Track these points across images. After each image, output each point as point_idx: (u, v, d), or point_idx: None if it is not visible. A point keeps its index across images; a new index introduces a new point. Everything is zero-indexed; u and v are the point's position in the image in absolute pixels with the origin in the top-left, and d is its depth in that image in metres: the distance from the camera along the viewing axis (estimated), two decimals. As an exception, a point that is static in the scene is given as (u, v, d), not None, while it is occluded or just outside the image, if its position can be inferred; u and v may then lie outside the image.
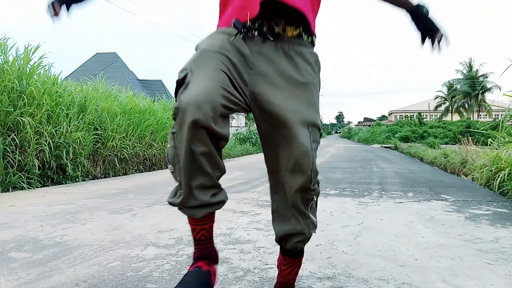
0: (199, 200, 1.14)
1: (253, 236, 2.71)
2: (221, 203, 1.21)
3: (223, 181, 1.22)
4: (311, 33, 1.30)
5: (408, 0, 1.45)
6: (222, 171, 1.17)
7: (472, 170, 6.47)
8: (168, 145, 1.16)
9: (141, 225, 3.04)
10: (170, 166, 1.16)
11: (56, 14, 1.30)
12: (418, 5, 1.42)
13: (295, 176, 1.23)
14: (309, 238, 1.30)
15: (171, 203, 1.22)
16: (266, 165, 1.35)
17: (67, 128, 5.93)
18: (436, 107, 52.91)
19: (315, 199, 1.36)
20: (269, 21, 1.17)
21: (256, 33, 1.15)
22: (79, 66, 31.80)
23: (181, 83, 1.07)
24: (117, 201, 4.17)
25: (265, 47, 1.17)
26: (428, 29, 1.39)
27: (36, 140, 5.32)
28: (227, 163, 8.47)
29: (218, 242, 2.56)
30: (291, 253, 1.34)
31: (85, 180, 6.25)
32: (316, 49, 1.45)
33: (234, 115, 46.38)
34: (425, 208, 3.82)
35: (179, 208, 1.22)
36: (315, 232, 1.31)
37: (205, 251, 1.41)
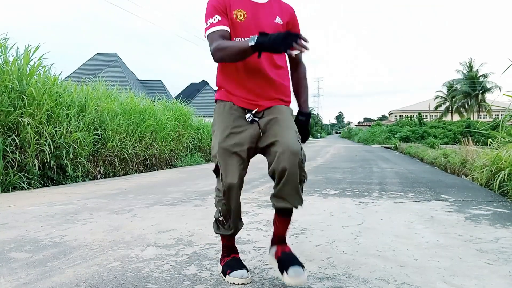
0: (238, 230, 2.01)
1: (253, 236, 2.71)
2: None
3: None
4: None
5: (303, 103, 1.99)
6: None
7: (472, 170, 6.47)
8: (218, 208, 1.90)
9: (141, 225, 3.04)
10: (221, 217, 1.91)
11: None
12: (303, 112, 1.97)
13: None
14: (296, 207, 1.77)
15: (222, 234, 1.96)
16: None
17: (67, 128, 5.93)
18: (436, 107, 52.92)
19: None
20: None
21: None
22: (79, 66, 31.81)
23: (217, 170, 1.83)
24: (117, 201, 4.18)
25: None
26: (302, 130, 1.90)
27: (36, 140, 5.33)
28: (227, 163, 8.29)
29: (218, 242, 2.56)
30: (284, 212, 1.86)
31: (85, 180, 6.25)
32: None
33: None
34: (425, 208, 3.82)
35: (224, 235, 1.98)
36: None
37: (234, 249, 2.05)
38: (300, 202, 1.74)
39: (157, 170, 8.55)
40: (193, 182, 5.98)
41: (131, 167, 7.73)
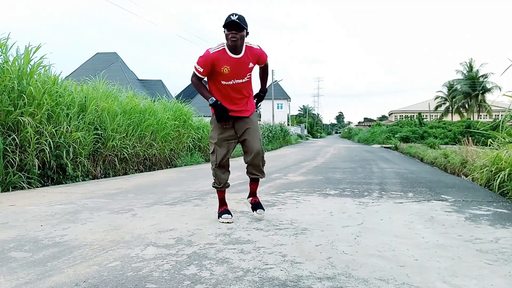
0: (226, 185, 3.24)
1: (253, 236, 2.71)
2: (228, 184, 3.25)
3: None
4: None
5: (263, 86, 3.35)
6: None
7: (472, 171, 6.47)
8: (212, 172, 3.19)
9: (141, 225, 3.04)
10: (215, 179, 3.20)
11: (228, 125, 3.05)
12: (263, 90, 3.35)
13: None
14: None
15: (217, 188, 3.20)
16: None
17: (67, 128, 5.93)
18: (436, 107, 52.88)
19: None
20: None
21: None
22: (79, 66, 31.83)
23: (213, 151, 3.11)
24: (117, 201, 4.18)
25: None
26: (260, 99, 3.33)
27: (36, 139, 5.33)
28: (227, 163, 8.17)
29: (218, 242, 2.57)
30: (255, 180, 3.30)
31: (85, 180, 6.25)
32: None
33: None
34: (425, 208, 3.82)
35: (217, 189, 3.23)
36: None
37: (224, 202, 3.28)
38: (263, 175, 3.26)
39: (157, 169, 8.55)
40: (193, 182, 5.98)
41: (131, 167, 7.73)
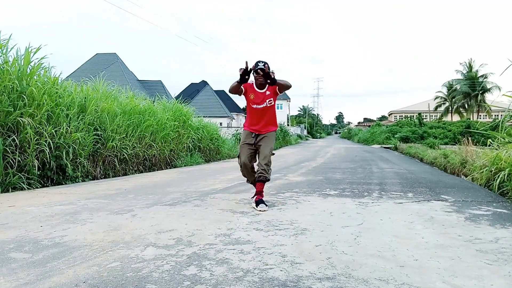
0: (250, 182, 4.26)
1: (253, 237, 2.71)
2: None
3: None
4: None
5: (276, 80, 3.95)
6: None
7: (472, 171, 6.47)
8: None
9: (141, 225, 3.04)
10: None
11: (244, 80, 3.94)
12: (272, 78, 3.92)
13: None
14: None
15: (249, 182, 4.29)
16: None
17: (67, 128, 5.93)
18: (436, 107, 52.84)
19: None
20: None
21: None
22: (79, 66, 31.83)
23: (239, 155, 4.14)
24: (117, 201, 4.17)
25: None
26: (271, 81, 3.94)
27: (36, 140, 5.33)
28: (227, 164, 8.49)
29: (217, 242, 2.57)
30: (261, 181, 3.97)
31: (85, 181, 6.25)
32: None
33: (234, 115, 46.37)
34: (425, 208, 3.82)
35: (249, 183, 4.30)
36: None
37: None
38: (267, 176, 3.93)
39: (157, 170, 8.55)
40: (193, 182, 5.98)
41: (131, 167, 7.73)
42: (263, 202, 3.82)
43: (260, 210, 3.70)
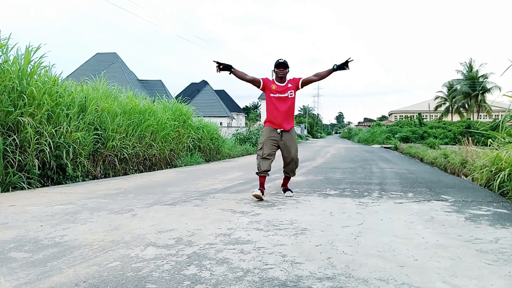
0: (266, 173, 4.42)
1: (253, 237, 2.71)
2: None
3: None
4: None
5: (327, 71, 4.48)
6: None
7: (472, 171, 6.47)
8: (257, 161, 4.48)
9: (141, 225, 3.04)
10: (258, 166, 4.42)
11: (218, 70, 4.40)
12: (334, 67, 4.42)
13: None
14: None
15: (259, 174, 4.37)
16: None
17: (67, 128, 5.93)
18: (436, 107, 52.85)
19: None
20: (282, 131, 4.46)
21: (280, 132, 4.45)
22: (79, 66, 31.85)
23: (261, 148, 4.43)
24: (117, 201, 4.18)
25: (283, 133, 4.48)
26: (342, 68, 4.41)
27: (36, 140, 5.33)
28: (227, 163, 8.50)
29: (218, 242, 2.57)
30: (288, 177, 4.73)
31: (85, 180, 6.25)
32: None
33: (234, 115, 46.31)
34: (425, 208, 3.82)
35: (260, 175, 4.40)
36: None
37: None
38: (294, 175, 4.70)
39: (157, 170, 8.55)
40: (193, 182, 5.98)
41: (131, 167, 7.73)
42: (289, 189, 4.66)
43: (286, 196, 4.48)
